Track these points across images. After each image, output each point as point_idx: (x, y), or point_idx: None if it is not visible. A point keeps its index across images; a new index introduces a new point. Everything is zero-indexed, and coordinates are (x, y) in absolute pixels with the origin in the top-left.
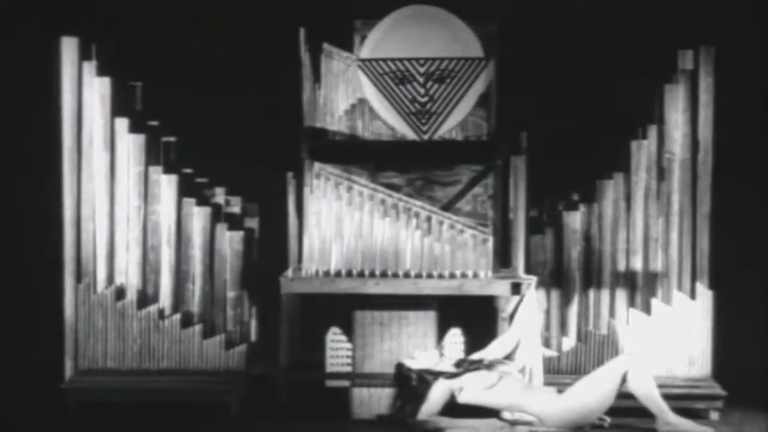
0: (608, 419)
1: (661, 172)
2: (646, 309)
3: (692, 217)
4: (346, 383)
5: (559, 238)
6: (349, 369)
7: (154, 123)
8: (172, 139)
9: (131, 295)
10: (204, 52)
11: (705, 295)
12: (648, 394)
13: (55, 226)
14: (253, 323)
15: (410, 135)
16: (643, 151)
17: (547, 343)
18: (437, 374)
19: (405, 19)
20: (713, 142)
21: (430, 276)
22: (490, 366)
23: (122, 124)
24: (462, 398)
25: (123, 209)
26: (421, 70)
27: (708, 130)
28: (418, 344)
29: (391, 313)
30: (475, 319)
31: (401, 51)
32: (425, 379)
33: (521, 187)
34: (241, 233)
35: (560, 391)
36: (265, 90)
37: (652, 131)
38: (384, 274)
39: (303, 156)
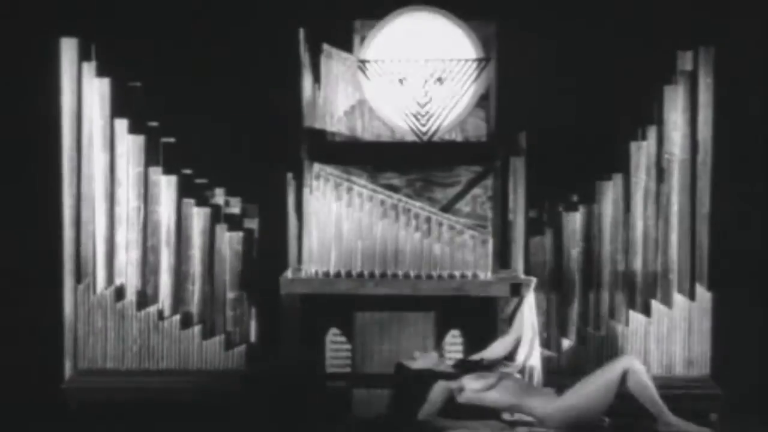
0: (607, 420)
1: (661, 173)
2: (646, 310)
3: (691, 218)
4: (345, 384)
5: (558, 239)
6: (348, 370)
7: (154, 124)
8: (171, 139)
9: (131, 296)
10: (203, 52)
11: (704, 296)
12: (647, 394)
13: (55, 226)
14: (253, 324)
15: (410, 136)
16: (642, 152)
17: (546, 344)
18: (437, 375)
19: (405, 20)
20: (712, 142)
21: (429, 277)
22: (489, 367)
23: (122, 124)
24: (461, 399)
25: (122, 210)
26: (421, 70)
27: (707, 131)
28: (417, 345)
29: (390, 314)
30: (474, 320)
31: (401, 51)
32: (425, 379)
33: (520, 188)
34: (240, 234)
35: (559, 392)
36: (264, 91)
37: (652, 132)
38: (383, 275)
39: (302, 157)
